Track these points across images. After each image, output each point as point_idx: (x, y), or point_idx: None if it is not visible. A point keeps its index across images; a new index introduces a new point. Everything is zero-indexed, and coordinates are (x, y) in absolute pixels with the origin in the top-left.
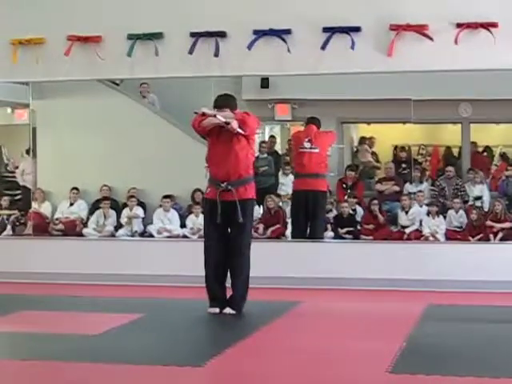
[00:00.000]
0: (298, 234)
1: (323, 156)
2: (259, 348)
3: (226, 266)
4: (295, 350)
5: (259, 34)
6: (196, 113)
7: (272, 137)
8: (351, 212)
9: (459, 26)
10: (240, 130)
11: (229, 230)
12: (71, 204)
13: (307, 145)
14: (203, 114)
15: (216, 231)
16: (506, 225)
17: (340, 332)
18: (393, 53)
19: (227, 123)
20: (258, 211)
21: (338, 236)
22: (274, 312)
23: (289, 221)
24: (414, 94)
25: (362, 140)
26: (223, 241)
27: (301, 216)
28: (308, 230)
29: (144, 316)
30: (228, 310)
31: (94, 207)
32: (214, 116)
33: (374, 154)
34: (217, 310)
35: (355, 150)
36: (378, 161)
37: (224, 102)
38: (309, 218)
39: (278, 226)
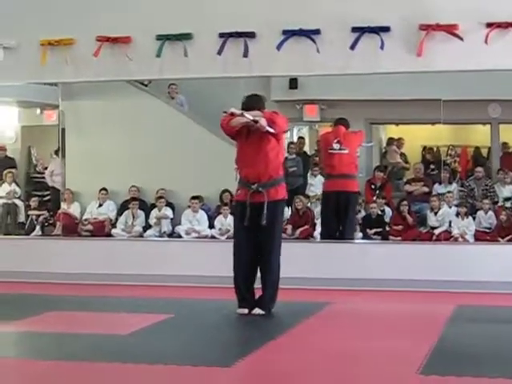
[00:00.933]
0: (328, 235)
1: (353, 156)
2: (288, 348)
3: (255, 267)
4: (324, 351)
5: (288, 34)
6: (225, 112)
7: (301, 138)
8: (380, 213)
9: (489, 25)
10: (269, 129)
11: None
12: (100, 205)
13: (336, 146)
14: (232, 114)
15: (246, 233)
16: None
17: (369, 333)
18: (422, 53)
19: (255, 121)
20: (287, 212)
21: (366, 237)
22: (304, 313)
23: (317, 222)
24: (444, 95)
25: (390, 141)
26: (253, 242)
27: (331, 217)
28: (338, 231)
29: (172, 316)
30: (257, 311)
31: (122, 208)
32: (242, 115)
33: (402, 154)
34: (245, 310)
35: (383, 150)
36: (406, 162)
37: (252, 102)
38: (340, 219)
39: (306, 226)
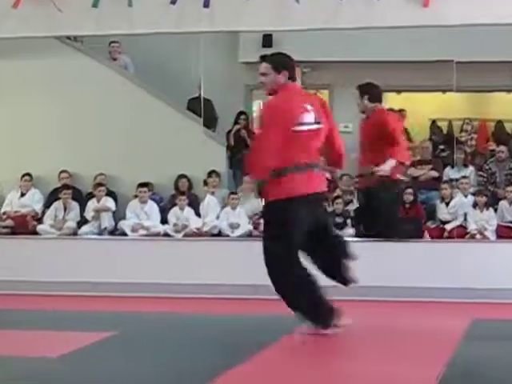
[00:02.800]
0: None
1: None
2: (254, 378)
3: None
4: (306, 377)
5: None
6: None
7: None
8: None
9: None
10: None
11: None
12: (22, 194)
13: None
14: None
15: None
16: None
17: (364, 354)
18: (429, 2)
19: None
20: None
21: (360, 234)
22: (279, 329)
23: None
24: (457, 55)
25: None
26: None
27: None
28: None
29: (115, 334)
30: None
31: (51, 198)
32: None
33: (405, 130)
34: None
35: None
36: (410, 139)
37: None
38: None
39: None
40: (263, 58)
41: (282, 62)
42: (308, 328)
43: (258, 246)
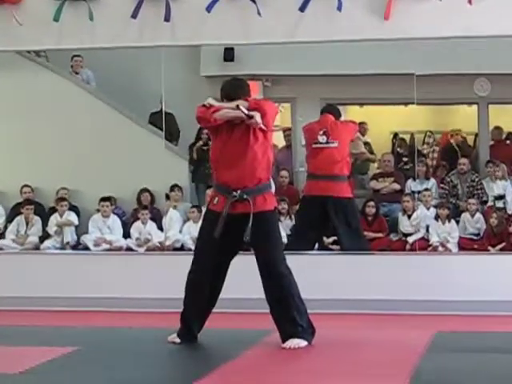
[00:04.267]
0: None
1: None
2: None
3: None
4: None
5: None
6: (204, 105)
7: None
8: None
9: None
10: (262, 126)
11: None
12: None
13: (322, 138)
14: (210, 106)
15: (215, 253)
16: None
17: (322, 369)
18: (390, 15)
19: (250, 116)
20: None
21: (322, 247)
22: (240, 343)
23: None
24: (418, 68)
25: None
26: (219, 266)
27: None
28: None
29: (78, 349)
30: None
31: (12, 213)
32: (237, 107)
33: (366, 143)
34: (178, 340)
35: None
36: (372, 152)
37: (237, 89)
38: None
39: None
40: None
41: None
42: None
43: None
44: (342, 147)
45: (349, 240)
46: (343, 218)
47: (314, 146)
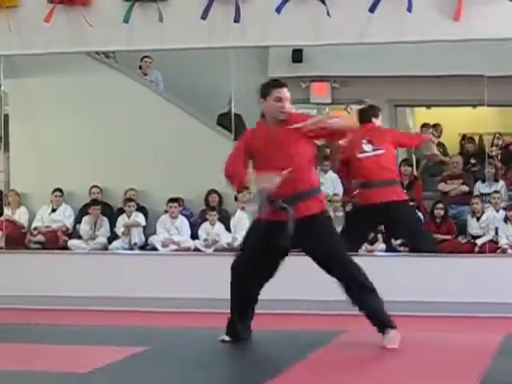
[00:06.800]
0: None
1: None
2: None
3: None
4: None
5: None
6: None
7: None
8: None
9: None
10: None
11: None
12: (53, 210)
13: (368, 147)
14: None
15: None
16: None
17: (391, 373)
18: (461, 16)
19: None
20: None
21: (390, 248)
22: (309, 345)
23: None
24: (488, 70)
25: (424, 128)
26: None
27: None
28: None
29: (147, 349)
30: None
31: (81, 214)
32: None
33: (440, 144)
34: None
35: None
36: (446, 154)
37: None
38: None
39: None
40: (283, 84)
41: None
42: None
43: (289, 261)
44: (389, 152)
45: (418, 241)
46: (406, 220)
47: (360, 155)
